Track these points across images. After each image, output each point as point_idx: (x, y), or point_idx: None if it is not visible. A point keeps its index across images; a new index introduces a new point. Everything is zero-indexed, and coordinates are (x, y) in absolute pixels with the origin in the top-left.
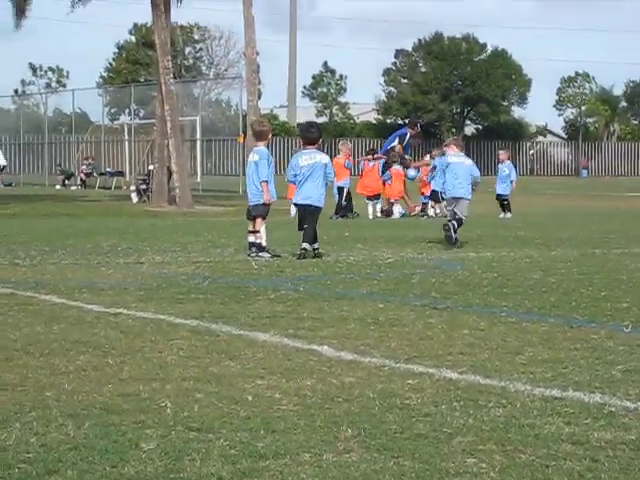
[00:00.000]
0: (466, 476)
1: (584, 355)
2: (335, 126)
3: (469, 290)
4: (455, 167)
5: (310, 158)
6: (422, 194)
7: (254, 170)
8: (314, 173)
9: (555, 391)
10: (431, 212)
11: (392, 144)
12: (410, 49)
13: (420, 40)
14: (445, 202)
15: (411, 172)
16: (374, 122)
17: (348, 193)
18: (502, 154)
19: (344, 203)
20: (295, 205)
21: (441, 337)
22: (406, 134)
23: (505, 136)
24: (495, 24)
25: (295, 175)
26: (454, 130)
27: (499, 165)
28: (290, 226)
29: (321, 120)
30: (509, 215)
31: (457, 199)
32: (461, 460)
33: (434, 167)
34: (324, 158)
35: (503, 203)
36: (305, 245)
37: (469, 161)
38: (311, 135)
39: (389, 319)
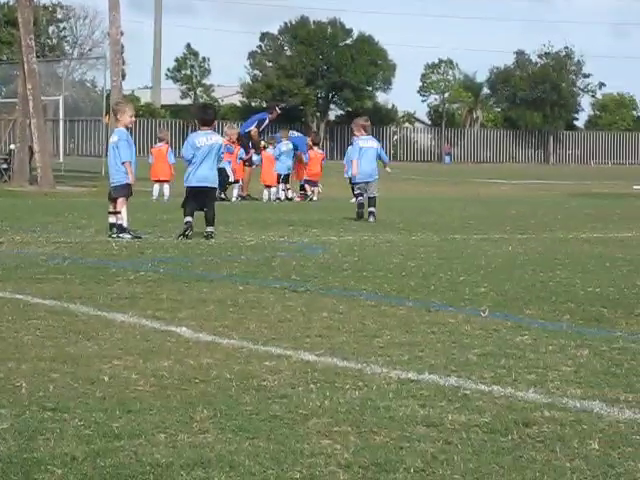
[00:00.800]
0: (320, 457)
1: (441, 339)
2: None
3: (329, 273)
4: (365, 152)
5: (208, 139)
6: (299, 179)
7: (114, 151)
8: (210, 154)
9: (411, 374)
10: (290, 194)
11: (249, 128)
12: (276, 33)
13: (286, 24)
14: (357, 185)
15: (255, 157)
16: (239, 105)
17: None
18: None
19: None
20: (190, 187)
21: (299, 320)
22: (265, 119)
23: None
24: (362, 9)
25: (193, 155)
26: (318, 114)
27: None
28: (151, 208)
29: (186, 102)
30: None
31: (368, 182)
32: (316, 441)
33: (295, 149)
34: (220, 139)
35: None
36: (186, 225)
37: (376, 143)
38: (207, 117)
39: (248, 301)
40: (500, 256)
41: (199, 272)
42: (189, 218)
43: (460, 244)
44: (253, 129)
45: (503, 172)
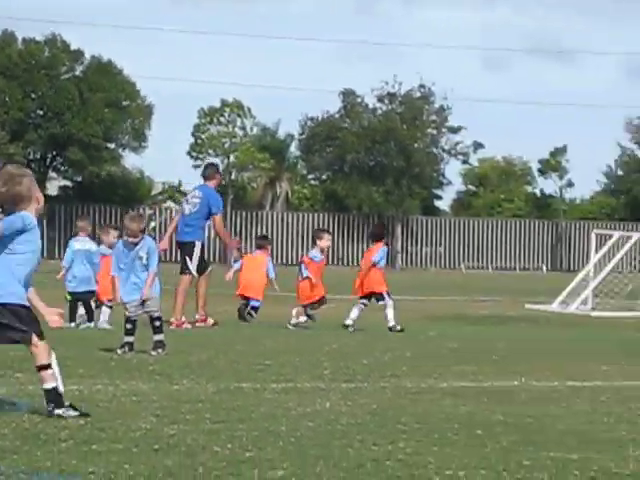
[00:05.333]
0: None
1: None
2: None
3: (38, 446)
4: None
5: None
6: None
7: None
8: None
9: None
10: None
11: None
12: None
13: None
14: None
15: None
16: None
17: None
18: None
19: None
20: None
21: None
22: None
23: (113, 198)
24: (95, 20)
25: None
26: None
27: None
28: None
29: None
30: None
31: None
32: None
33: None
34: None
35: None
36: None
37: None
38: None
39: None
40: (312, 417)
41: None
42: None
43: (248, 397)
44: None
45: (326, 281)
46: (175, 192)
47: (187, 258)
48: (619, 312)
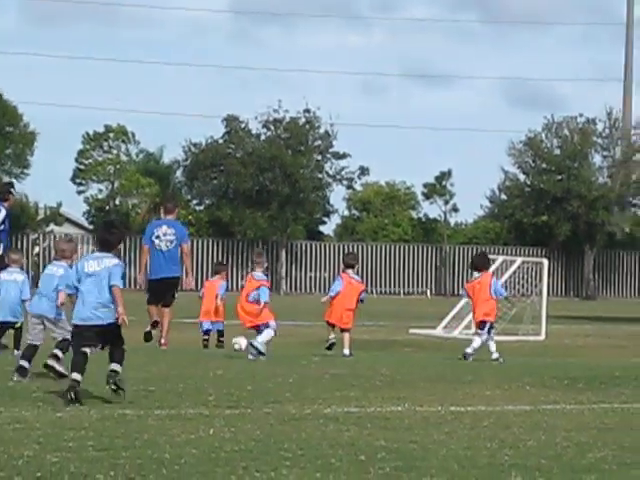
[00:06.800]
0: None
1: None
2: None
3: None
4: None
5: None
6: None
7: None
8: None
9: None
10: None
11: None
12: None
13: None
14: None
15: None
16: None
17: None
18: None
19: None
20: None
21: None
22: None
23: None
24: None
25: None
26: None
27: None
28: None
29: None
30: None
31: None
32: None
33: None
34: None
35: None
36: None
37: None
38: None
39: None
40: (195, 444)
41: None
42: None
43: (131, 424)
44: None
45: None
46: (57, 215)
47: (175, 292)
48: (503, 336)
